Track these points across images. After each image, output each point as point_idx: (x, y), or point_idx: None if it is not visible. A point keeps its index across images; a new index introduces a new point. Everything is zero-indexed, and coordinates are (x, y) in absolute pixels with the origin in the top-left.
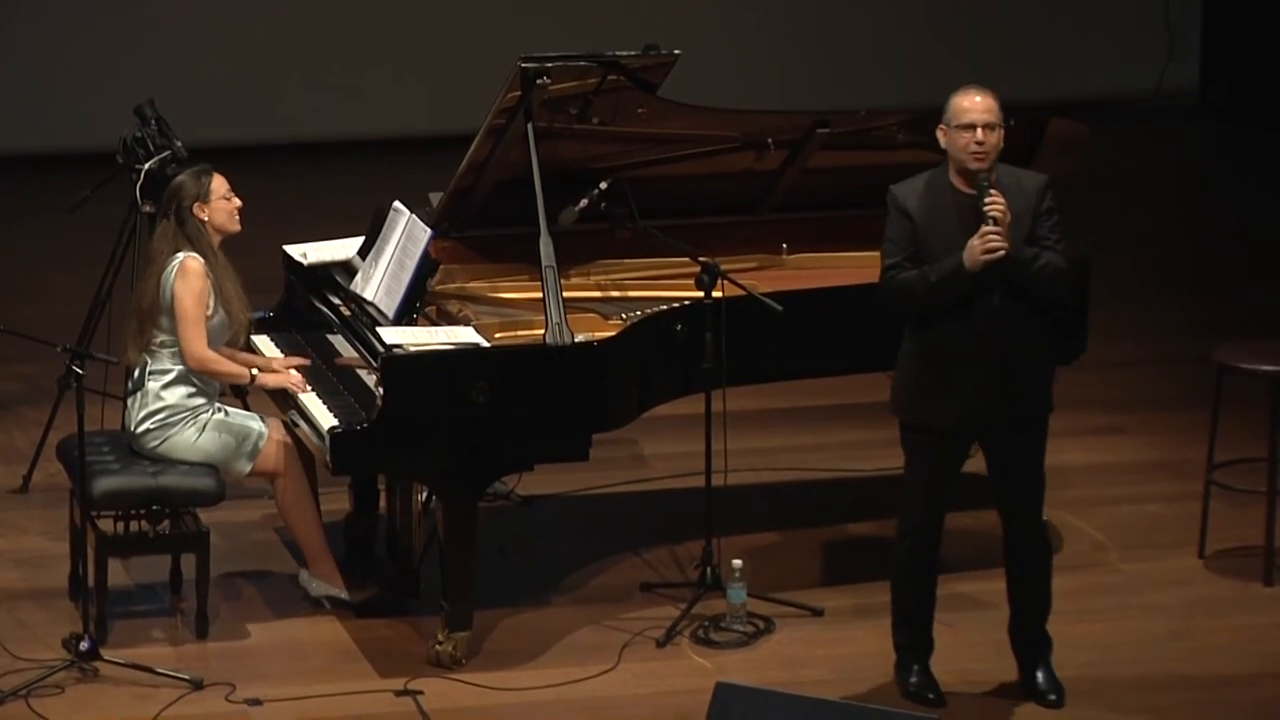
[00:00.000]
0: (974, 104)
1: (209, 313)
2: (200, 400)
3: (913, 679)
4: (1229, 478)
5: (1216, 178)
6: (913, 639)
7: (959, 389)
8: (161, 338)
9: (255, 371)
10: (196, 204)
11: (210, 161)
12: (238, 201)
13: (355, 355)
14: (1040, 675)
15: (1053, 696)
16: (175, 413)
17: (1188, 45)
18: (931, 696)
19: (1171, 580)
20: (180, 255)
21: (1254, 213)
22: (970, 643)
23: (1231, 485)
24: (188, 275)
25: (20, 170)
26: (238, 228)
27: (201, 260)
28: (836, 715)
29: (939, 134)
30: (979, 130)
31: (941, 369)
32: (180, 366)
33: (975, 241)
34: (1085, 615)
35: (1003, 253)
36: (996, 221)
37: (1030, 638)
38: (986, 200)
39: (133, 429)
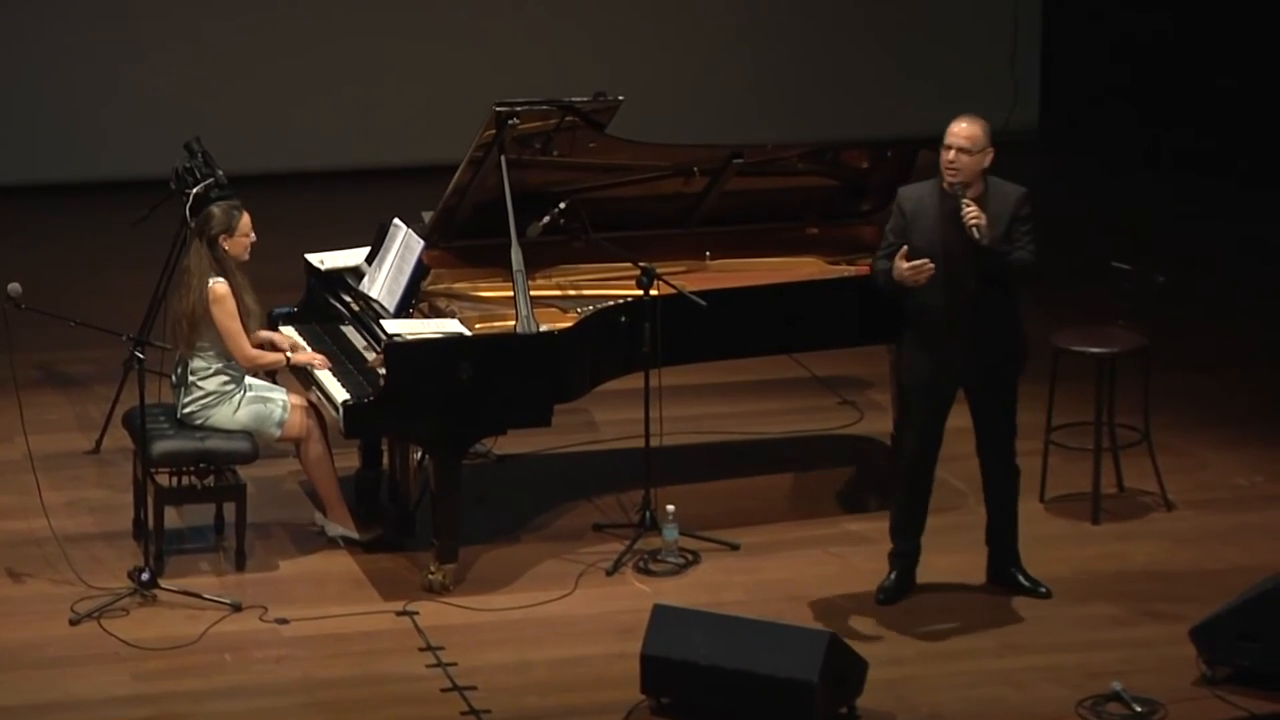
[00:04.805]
0: (955, 130)
1: None
2: (232, 385)
3: (887, 582)
4: (1064, 438)
5: (1053, 197)
6: (899, 548)
7: (934, 351)
8: (201, 343)
9: (289, 355)
10: (223, 235)
11: (246, 186)
12: (254, 238)
13: (364, 341)
14: (1021, 576)
15: (1042, 589)
16: (214, 396)
17: (1029, 92)
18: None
19: (1019, 519)
20: (210, 281)
21: (1084, 224)
22: (857, 569)
23: (1066, 444)
24: (221, 300)
25: (96, 194)
26: (247, 259)
27: (226, 283)
28: (747, 629)
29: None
30: (951, 151)
31: (922, 335)
32: (216, 363)
33: (903, 264)
34: (948, 548)
35: (978, 232)
36: (978, 229)
37: (1008, 545)
38: (965, 209)
39: (180, 413)
